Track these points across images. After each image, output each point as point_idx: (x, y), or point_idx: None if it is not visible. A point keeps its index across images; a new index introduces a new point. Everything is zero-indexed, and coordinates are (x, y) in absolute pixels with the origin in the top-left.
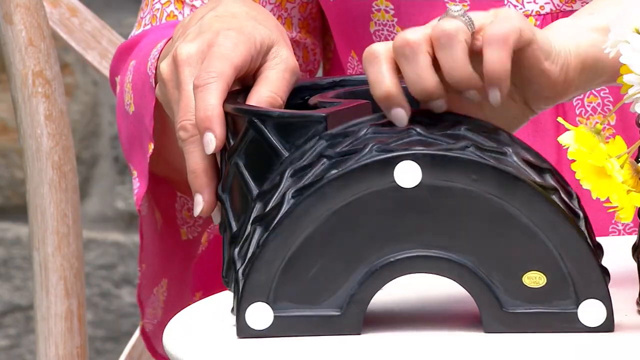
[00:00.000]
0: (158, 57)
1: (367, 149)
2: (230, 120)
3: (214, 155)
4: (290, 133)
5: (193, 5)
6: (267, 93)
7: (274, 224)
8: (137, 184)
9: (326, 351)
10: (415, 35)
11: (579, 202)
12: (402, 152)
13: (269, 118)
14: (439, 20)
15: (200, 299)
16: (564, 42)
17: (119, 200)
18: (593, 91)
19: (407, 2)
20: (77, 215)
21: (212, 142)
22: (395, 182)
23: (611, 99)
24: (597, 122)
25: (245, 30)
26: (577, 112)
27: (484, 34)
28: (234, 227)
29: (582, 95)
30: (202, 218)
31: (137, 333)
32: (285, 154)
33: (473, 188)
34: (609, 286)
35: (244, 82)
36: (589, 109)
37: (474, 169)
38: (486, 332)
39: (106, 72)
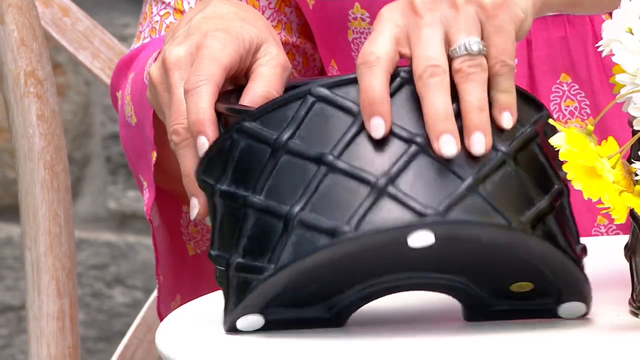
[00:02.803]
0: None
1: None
2: (224, 121)
3: None
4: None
5: None
6: (262, 88)
7: (277, 262)
8: (146, 194)
9: (317, 349)
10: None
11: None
12: (417, 221)
13: (251, 115)
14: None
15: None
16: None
17: (111, 200)
18: (569, 95)
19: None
20: (69, 215)
21: (205, 145)
22: (407, 245)
23: (588, 102)
24: (574, 126)
25: (233, 31)
26: (555, 116)
27: (491, 63)
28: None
29: (559, 99)
30: (209, 232)
31: (129, 333)
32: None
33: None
34: (600, 286)
35: (235, 81)
36: (566, 112)
37: (483, 232)
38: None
39: (98, 72)
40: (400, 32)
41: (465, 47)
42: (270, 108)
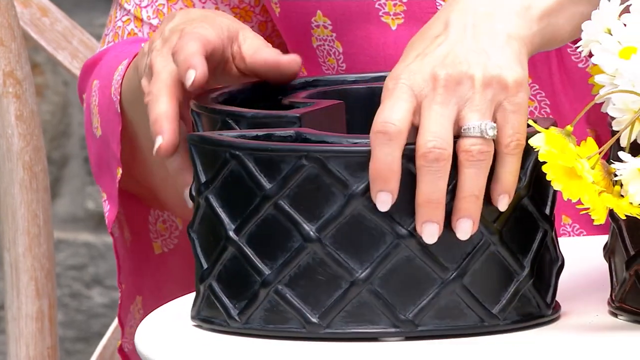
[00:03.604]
0: (121, 82)
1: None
2: (206, 121)
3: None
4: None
5: (151, 24)
6: (259, 40)
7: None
8: (107, 207)
9: (298, 350)
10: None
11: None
12: (388, 332)
13: (242, 118)
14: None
15: None
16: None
17: (90, 200)
18: (530, 96)
19: (343, 17)
20: (48, 216)
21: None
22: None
23: (548, 102)
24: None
25: (209, 20)
26: None
27: (501, 139)
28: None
29: None
30: (178, 229)
31: (108, 333)
32: None
33: None
34: (580, 287)
35: (225, 71)
36: None
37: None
38: None
39: (77, 72)
40: (416, 102)
41: (481, 130)
42: (264, 150)
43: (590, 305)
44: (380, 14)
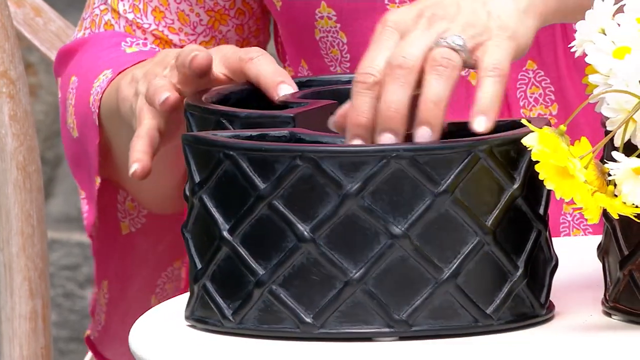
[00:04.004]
0: (102, 95)
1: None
2: (199, 121)
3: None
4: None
5: (127, 18)
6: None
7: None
8: (86, 207)
9: (292, 350)
10: (412, 56)
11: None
12: (382, 332)
13: (236, 118)
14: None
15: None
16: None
17: None
18: (535, 82)
19: (349, 7)
20: (42, 216)
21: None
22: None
23: (553, 89)
24: (539, 113)
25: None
26: (521, 103)
27: (480, 65)
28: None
29: (525, 87)
30: (145, 209)
31: None
32: None
33: None
34: (574, 286)
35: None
36: (531, 99)
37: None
38: None
39: None
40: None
41: (447, 41)
42: (258, 150)
43: (584, 305)
44: (386, 2)
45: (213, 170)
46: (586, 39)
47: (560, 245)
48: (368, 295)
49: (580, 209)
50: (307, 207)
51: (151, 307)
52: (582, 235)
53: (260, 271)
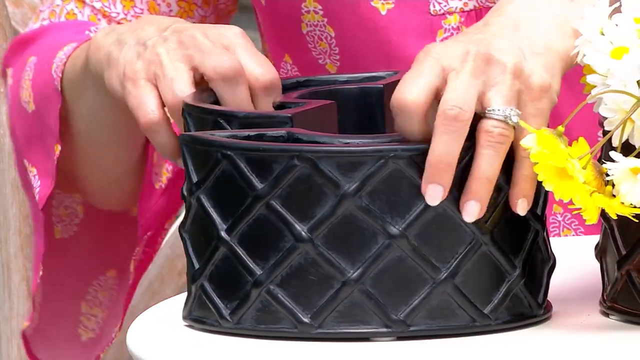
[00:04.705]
0: (65, 62)
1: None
2: (197, 121)
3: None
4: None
5: (93, 7)
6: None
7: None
8: (38, 182)
9: (289, 350)
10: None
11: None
12: (380, 332)
13: (234, 118)
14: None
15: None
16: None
17: None
18: None
19: (334, 2)
20: None
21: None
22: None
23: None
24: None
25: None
26: None
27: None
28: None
29: None
30: (78, 217)
31: None
32: None
33: None
34: (571, 286)
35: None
36: None
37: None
38: None
39: None
40: (442, 76)
41: (505, 115)
42: (256, 150)
43: (582, 305)
44: None
45: (211, 170)
46: (584, 39)
47: (558, 245)
48: (366, 295)
49: (579, 209)
50: (305, 207)
51: (81, 314)
52: (573, 235)
53: (258, 271)
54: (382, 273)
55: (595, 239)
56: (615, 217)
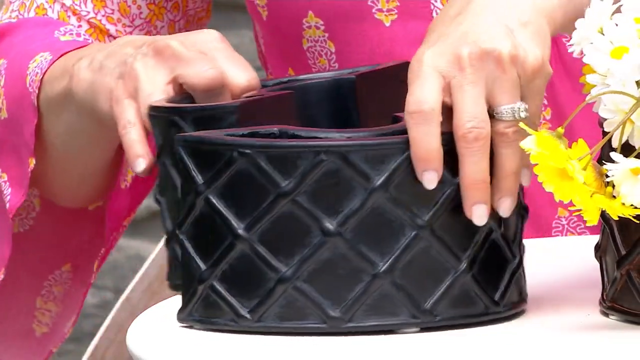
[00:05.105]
0: (42, 78)
1: None
2: (158, 122)
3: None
4: (208, 125)
5: (63, 3)
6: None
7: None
8: (9, 190)
9: (290, 350)
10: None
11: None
12: (408, 322)
13: (187, 114)
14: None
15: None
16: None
17: None
18: None
19: (337, 16)
20: None
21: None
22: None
23: (545, 94)
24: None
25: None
26: None
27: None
28: (169, 227)
29: None
30: (35, 211)
31: (99, 334)
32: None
33: None
34: (571, 286)
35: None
36: None
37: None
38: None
39: None
40: (444, 83)
41: (513, 113)
42: (278, 148)
43: (582, 305)
44: (374, 11)
45: (222, 169)
46: (584, 38)
47: (558, 245)
48: (395, 286)
49: (579, 210)
50: (332, 201)
51: (36, 309)
52: (589, 235)
53: (283, 268)
54: (410, 264)
55: (595, 239)
56: (616, 219)
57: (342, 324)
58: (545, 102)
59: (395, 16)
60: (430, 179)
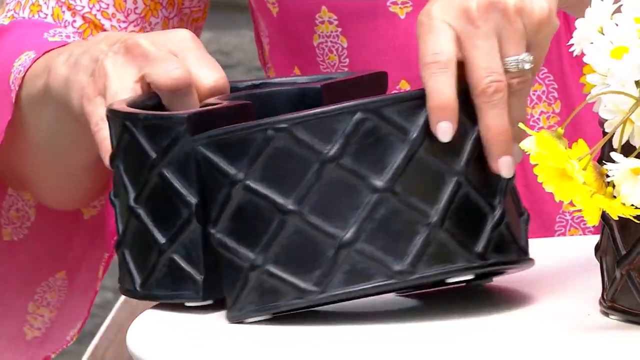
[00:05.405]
0: (24, 75)
1: None
2: (112, 124)
3: None
4: (156, 134)
5: None
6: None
7: None
8: None
9: (287, 350)
10: (497, 75)
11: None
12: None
13: (138, 120)
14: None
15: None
16: None
17: None
18: (538, 79)
19: (351, 11)
20: None
21: None
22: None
23: (556, 86)
24: (542, 111)
25: None
26: None
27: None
28: (120, 231)
29: None
30: (29, 220)
31: (99, 333)
32: (153, 155)
33: None
34: (571, 286)
35: None
36: (534, 97)
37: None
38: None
39: None
40: (455, 35)
41: (518, 65)
42: (314, 117)
43: (582, 304)
44: (388, 4)
45: (259, 152)
46: (584, 38)
47: (558, 244)
48: (449, 234)
49: (580, 210)
50: (377, 159)
51: (28, 313)
52: (581, 234)
53: (340, 233)
54: (456, 211)
55: (595, 239)
56: (616, 219)
57: (408, 276)
58: (556, 94)
59: (410, 8)
60: (445, 130)
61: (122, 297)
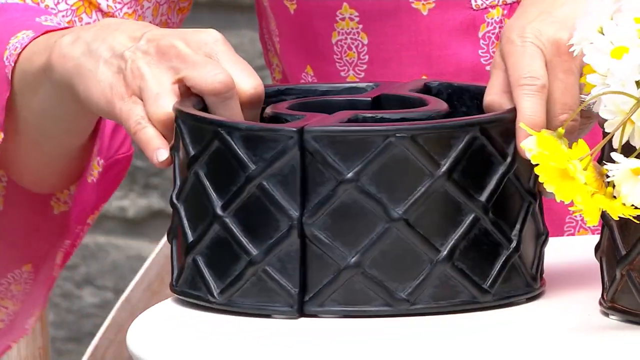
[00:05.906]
0: (20, 52)
1: None
2: (192, 129)
3: None
4: (259, 146)
5: None
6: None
7: None
8: None
9: (285, 350)
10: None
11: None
12: None
13: (236, 130)
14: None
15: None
16: None
17: None
18: None
19: (373, 7)
20: None
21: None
22: None
23: None
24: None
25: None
26: None
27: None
28: (190, 236)
29: None
30: (25, 184)
31: (99, 334)
32: (252, 166)
33: None
34: (571, 286)
35: None
36: None
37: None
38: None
39: None
40: (545, 63)
41: (589, 106)
42: (434, 129)
43: (582, 304)
44: (411, 0)
45: (376, 154)
46: (584, 38)
47: (559, 244)
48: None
49: (581, 210)
50: (479, 178)
51: None
52: (590, 235)
53: (438, 248)
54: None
55: (595, 239)
56: (616, 219)
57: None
58: None
59: (433, 5)
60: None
61: (122, 297)
